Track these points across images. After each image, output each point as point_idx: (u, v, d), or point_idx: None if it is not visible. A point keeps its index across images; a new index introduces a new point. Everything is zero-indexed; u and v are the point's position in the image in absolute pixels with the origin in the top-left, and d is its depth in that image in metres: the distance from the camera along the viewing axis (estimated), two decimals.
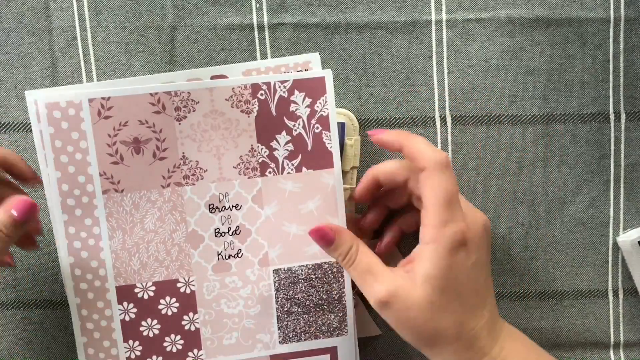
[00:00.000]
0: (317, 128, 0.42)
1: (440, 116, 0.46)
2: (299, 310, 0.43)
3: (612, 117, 0.47)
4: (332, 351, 0.44)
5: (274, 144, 0.42)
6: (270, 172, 0.42)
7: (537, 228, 0.48)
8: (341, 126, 0.44)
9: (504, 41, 0.46)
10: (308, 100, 0.41)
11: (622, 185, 0.47)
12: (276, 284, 0.43)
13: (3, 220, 0.38)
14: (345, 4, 0.45)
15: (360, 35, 0.46)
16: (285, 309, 0.43)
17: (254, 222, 0.42)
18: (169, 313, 0.43)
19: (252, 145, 0.41)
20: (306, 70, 0.42)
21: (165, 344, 0.43)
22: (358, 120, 0.46)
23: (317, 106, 0.41)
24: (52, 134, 0.40)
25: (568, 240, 0.48)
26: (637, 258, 0.47)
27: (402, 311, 0.37)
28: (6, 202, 0.39)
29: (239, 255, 0.43)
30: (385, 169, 0.42)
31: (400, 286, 0.37)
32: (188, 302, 0.43)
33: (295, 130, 0.42)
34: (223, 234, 0.42)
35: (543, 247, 0.48)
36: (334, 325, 0.44)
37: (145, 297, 0.42)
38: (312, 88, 0.41)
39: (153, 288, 0.42)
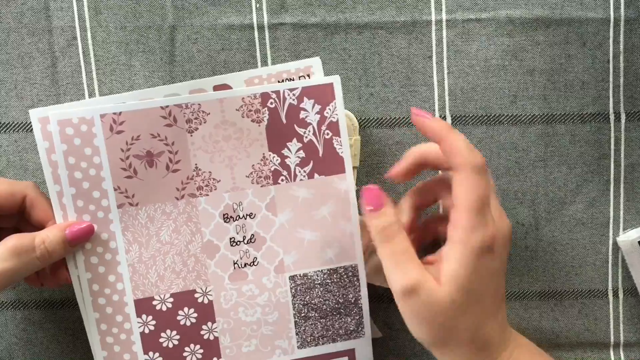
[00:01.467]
0: (328, 134, 0.42)
1: (440, 116, 0.46)
2: (316, 315, 0.43)
3: (612, 117, 0.47)
4: (350, 353, 0.44)
5: (285, 151, 0.42)
6: (282, 180, 0.42)
7: (537, 228, 0.48)
8: None
9: (504, 41, 0.46)
10: (317, 107, 0.41)
11: (622, 185, 0.47)
12: (293, 290, 0.43)
13: (51, 236, 0.39)
14: (345, 4, 0.45)
15: (360, 35, 0.46)
16: (303, 315, 0.43)
17: (268, 230, 0.43)
18: (188, 323, 0.43)
19: (263, 153, 0.42)
20: (308, 75, 0.42)
21: (185, 354, 0.43)
22: (358, 120, 0.46)
23: (327, 112, 0.42)
24: (65, 151, 0.40)
25: (568, 240, 0.48)
26: (637, 258, 0.47)
27: (424, 304, 0.36)
28: (63, 222, 0.40)
29: (255, 263, 0.43)
30: (437, 151, 0.39)
31: (429, 279, 0.36)
32: (206, 312, 0.43)
33: (306, 137, 0.42)
34: (238, 243, 0.42)
35: (543, 247, 0.48)
36: (351, 328, 0.44)
37: (164, 308, 0.42)
38: (321, 94, 0.41)
39: (171, 299, 0.42)
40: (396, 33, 0.46)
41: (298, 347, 0.44)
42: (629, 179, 0.47)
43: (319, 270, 0.43)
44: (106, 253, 0.41)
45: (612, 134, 0.47)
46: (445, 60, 0.46)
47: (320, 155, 0.42)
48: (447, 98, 0.46)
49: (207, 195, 0.42)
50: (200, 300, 0.43)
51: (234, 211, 0.42)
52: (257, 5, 0.45)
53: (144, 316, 0.42)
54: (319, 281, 0.43)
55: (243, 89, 0.41)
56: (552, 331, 0.49)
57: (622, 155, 0.47)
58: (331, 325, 0.44)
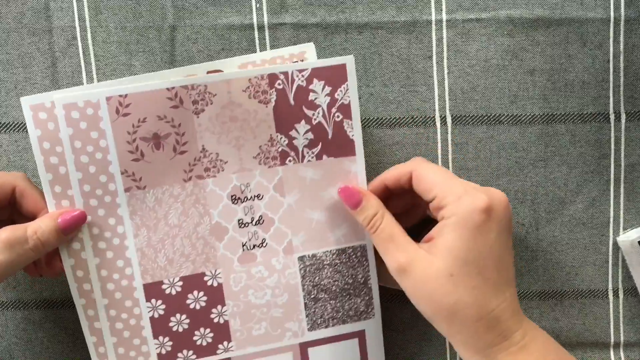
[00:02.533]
0: (338, 116, 0.41)
1: (440, 116, 0.46)
2: (326, 296, 0.43)
3: (612, 117, 0.47)
4: (361, 334, 0.44)
5: (293, 133, 0.41)
6: (290, 161, 0.42)
7: (537, 228, 0.48)
8: None
9: (504, 41, 0.46)
10: (328, 89, 0.41)
11: (622, 185, 0.47)
12: (302, 271, 0.43)
13: (43, 226, 0.39)
14: (345, 4, 0.45)
15: (360, 35, 0.46)
16: (312, 296, 0.43)
17: (276, 211, 0.42)
18: (197, 307, 0.42)
19: (271, 135, 0.41)
20: (302, 60, 0.42)
21: (195, 338, 0.43)
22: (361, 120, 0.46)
23: (338, 94, 0.41)
24: (72, 135, 0.39)
25: (568, 240, 0.48)
26: (637, 258, 0.47)
27: (420, 281, 0.36)
28: (55, 211, 0.40)
29: (264, 244, 0.42)
30: (392, 175, 0.41)
31: (420, 256, 0.37)
32: (216, 295, 0.43)
33: (315, 119, 0.41)
34: (247, 225, 0.42)
35: (543, 247, 0.48)
36: (361, 309, 0.44)
37: (173, 292, 0.42)
38: (332, 75, 0.41)
39: (180, 283, 0.42)
40: (396, 33, 0.46)
41: (308, 330, 0.44)
42: (629, 179, 0.47)
43: (327, 251, 0.43)
44: (114, 238, 0.41)
45: (612, 134, 0.47)
46: (445, 60, 0.46)
47: (330, 137, 0.41)
48: (447, 98, 0.46)
49: (215, 176, 0.41)
50: (209, 283, 0.42)
51: (242, 192, 0.42)
52: (257, 5, 0.45)
53: (153, 300, 0.42)
54: (328, 262, 0.43)
55: (250, 70, 0.41)
56: (552, 331, 0.49)
57: (622, 155, 0.47)
58: (341, 306, 0.44)
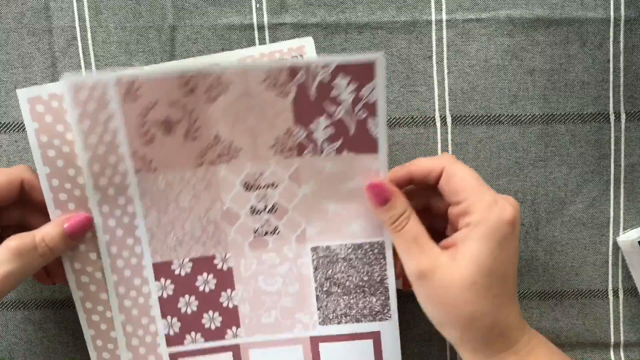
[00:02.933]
0: (362, 114, 0.39)
1: (440, 116, 0.46)
2: (339, 290, 0.42)
3: (612, 117, 0.47)
4: (376, 336, 0.43)
5: (312, 126, 0.40)
6: (308, 153, 0.40)
7: (537, 228, 0.48)
8: None
9: (504, 41, 0.46)
10: (353, 86, 0.38)
11: (622, 185, 0.47)
12: (315, 262, 0.42)
13: (50, 232, 0.39)
14: (345, 4, 0.45)
15: (360, 35, 0.46)
16: (325, 289, 0.42)
17: (290, 200, 0.41)
18: (207, 290, 0.42)
19: (289, 127, 0.40)
20: (301, 55, 0.41)
21: (203, 321, 0.42)
22: None
23: (363, 92, 0.39)
24: (80, 114, 0.38)
25: (568, 240, 0.48)
26: (637, 258, 0.47)
27: (440, 287, 0.35)
28: (62, 216, 0.40)
29: (276, 232, 0.42)
30: (422, 169, 0.39)
31: (443, 262, 0.36)
32: (225, 279, 0.42)
33: (337, 115, 0.39)
34: (259, 212, 0.41)
35: (543, 247, 0.48)
36: (376, 309, 0.42)
37: (182, 273, 0.42)
38: (358, 73, 0.38)
39: (190, 264, 0.42)
40: (396, 33, 0.46)
41: (319, 324, 0.43)
42: (629, 179, 0.47)
43: (342, 244, 0.42)
44: (124, 216, 0.41)
45: (612, 134, 0.47)
46: (445, 60, 0.46)
47: (351, 134, 0.40)
48: (447, 98, 0.46)
49: (228, 162, 0.40)
50: (219, 266, 0.42)
51: (255, 180, 0.41)
52: (257, 5, 0.45)
53: (162, 280, 0.42)
54: (343, 255, 0.42)
55: (269, 61, 0.39)
56: (552, 331, 0.49)
57: (622, 155, 0.47)
58: (355, 303, 0.42)
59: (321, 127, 0.40)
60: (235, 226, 0.42)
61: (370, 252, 0.42)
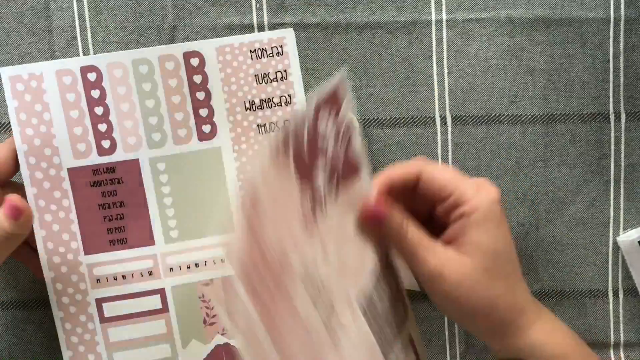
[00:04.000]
0: (345, 138, 0.36)
1: (440, 116, 0.46)
2: (385, 324, 0.37)
3: (612, 117, 0.47)
4: None
5: (314, 176, 0.35)
6: (318, 215, 0.35)
7: (537, 228, 0.48)
8: None
9: (504, 41, 0.46)
10: (332, 115, 0.35)
11: (622, 185, 0.47)
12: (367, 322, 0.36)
13: (1, 221, 0.39)
14: (345, 4, 0.45)
15: (360, 35, 0.46)
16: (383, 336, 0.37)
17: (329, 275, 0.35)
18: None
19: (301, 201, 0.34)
20: (281, 47, 0.42)
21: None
22: (358, 121, 0.46)
23: (340, 116, 0.35)
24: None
25: (568, 240, 0.48)
26: (637, 258, 0.47)
27: (455, 282, 0.35)
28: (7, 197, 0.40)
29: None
30: (399, 176, 0.38)
31: (452, 256, 0.36)
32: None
33: (329, 152, 0.35)
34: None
35: (543, 247, 0.48)
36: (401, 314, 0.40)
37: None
38: (333, 100, 0.35)
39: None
40: (396, 33, 0.46)
41: None
42: (629, 179, 0.47)
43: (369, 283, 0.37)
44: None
45: (612, 134, 0.47)
46: (445, 60, 0.46)
47: (341, 162, 0.36)
48: (447, 98, 0.46)
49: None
50: None
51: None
52: (257, 5, 0.45)
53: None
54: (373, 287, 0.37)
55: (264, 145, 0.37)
56: None
57: (622, 155, 0.47)
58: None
59: (320, 173, 0.35)
60: None
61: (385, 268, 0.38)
